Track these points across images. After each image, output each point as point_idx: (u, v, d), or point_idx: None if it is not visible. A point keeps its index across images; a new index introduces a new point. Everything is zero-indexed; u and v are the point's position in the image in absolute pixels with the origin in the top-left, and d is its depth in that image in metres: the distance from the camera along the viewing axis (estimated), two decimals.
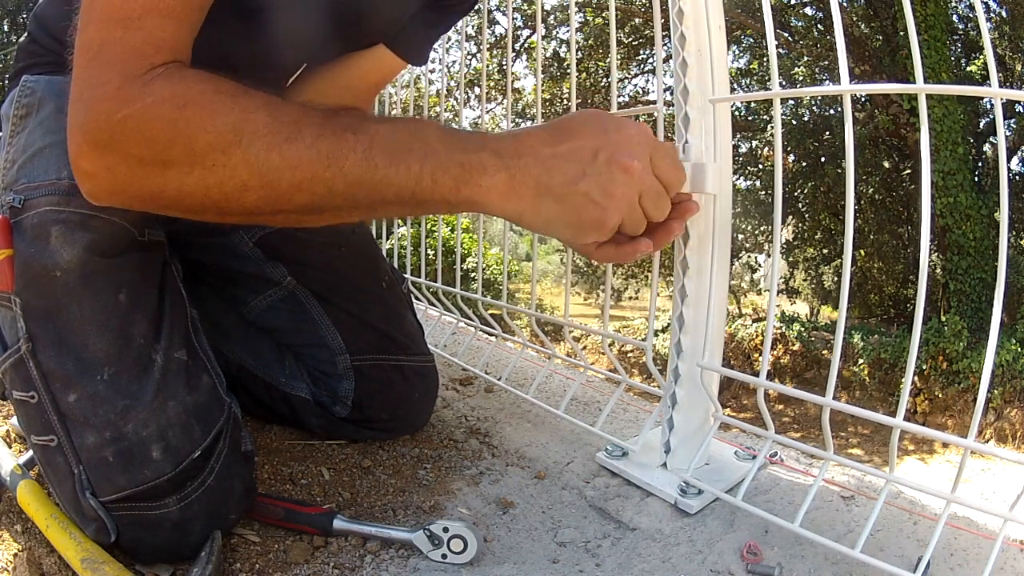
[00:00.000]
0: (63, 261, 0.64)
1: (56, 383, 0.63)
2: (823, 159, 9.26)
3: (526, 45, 10.18)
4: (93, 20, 0.53)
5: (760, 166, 9.72)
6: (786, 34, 8.93)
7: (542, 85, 1.19)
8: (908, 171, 9.10)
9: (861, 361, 7.87)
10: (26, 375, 0.63)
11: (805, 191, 9.76)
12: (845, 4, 8.45)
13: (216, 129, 0.52)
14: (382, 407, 0.92)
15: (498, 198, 0.57)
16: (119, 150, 0.52)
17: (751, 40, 8.41)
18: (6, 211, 0.67)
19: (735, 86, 8.70)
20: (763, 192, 9.79)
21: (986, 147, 8.39)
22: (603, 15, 8.57)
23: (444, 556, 0.67)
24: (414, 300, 1.63)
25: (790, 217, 9.93)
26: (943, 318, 7.29)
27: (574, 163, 0.58)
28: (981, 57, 7.96)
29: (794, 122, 9.27)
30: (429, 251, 1.52)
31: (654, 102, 0.81)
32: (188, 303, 0.75)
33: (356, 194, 0.55)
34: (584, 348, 8.20)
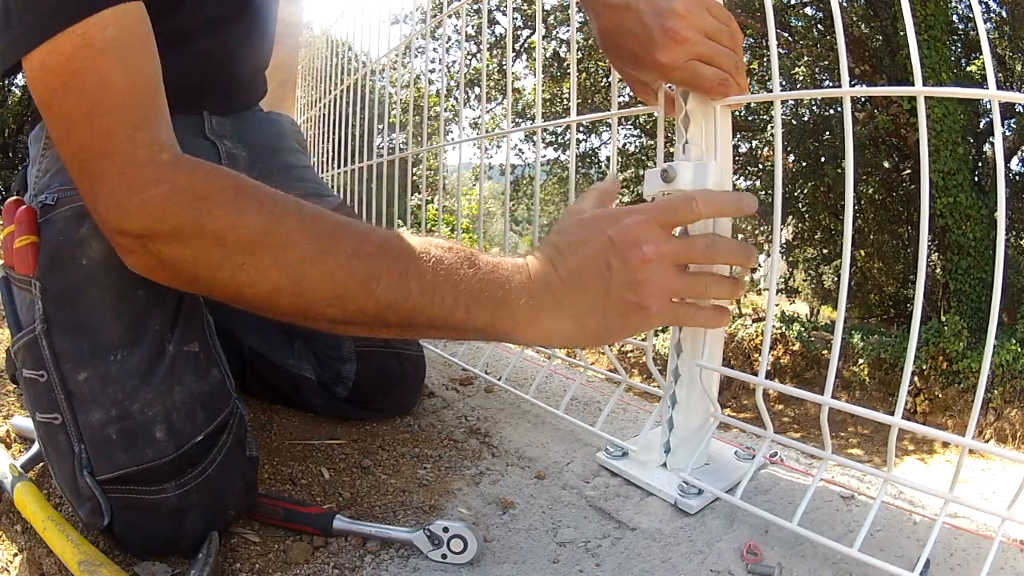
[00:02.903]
0: (91, 251, 0.67)
1: (67, 363, 0.64)
2: (823, 159, 9.26)
3: (526, 45, 10.17)
4: (66, 128, 0.54)
5: (760, 166, 9.73)
6: (786, 34, 8.93)
7: (542, 85, 1.19)
8: (908, 171, 9.10)
9: (861, 361, 7.87)
10: (38, 354, 0.65)
11: (805, 191, 9.76)
12: (845, 4, 8.45)
13: (245, 226, 0.53)
14: (379, 388, 1.00)
15: (533, 332, 0.59)
16: (146, 238, 0.53)
17: (751, 40, 8.41)
18: (38, 207, 0.70)
19: None
20: (763, 192, 9.78)
21: (986, 147, 8.39)
22: None
23: (444, 556, 0.67)
24: None
25: (790, 217, 9.93)
26: (943, 318, 7.29)
27: (595, 279, 0.58)
28: (981, 57, 7.96)
29: (794, 122, 9.27)
30: None
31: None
32: (205, 308, 0.77)
33: (387, 317, 0.56)
34: (584, 348, 8.19)
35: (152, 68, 0.58)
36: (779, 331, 8.39)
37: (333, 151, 2.13)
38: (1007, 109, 7.44)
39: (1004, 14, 8.20)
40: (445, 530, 0.67)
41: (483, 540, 0.70)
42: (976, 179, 7.85)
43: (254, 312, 0.58)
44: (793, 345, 8.39)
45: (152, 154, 0.54)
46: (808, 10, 9.12)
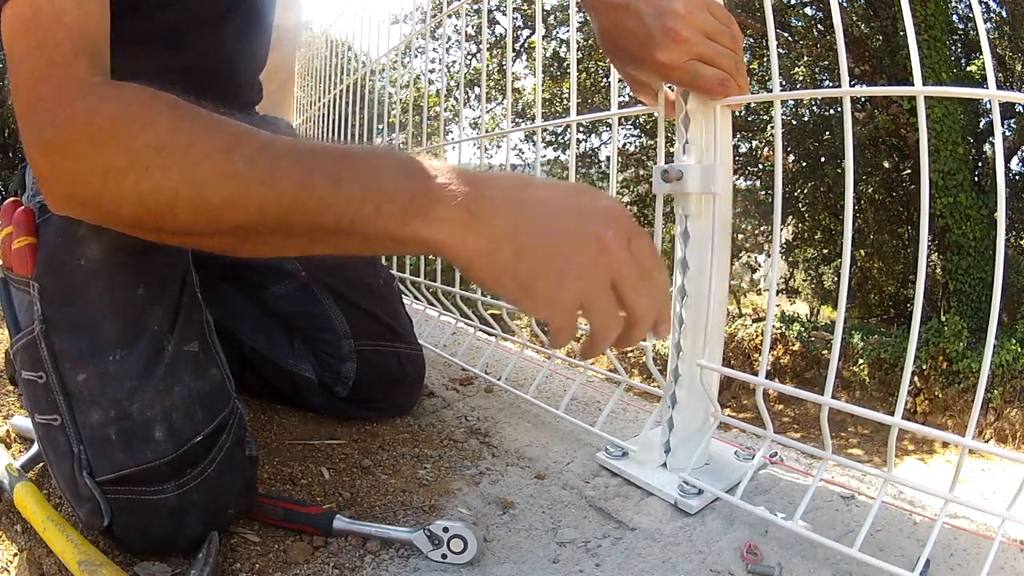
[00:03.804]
0: (89, 251, 0.67)
1: (66, 363, 0.64)
2: (823, 159, 9.26)
3: (526, 45, 10.17)
4: (18, 63, 0.54)
5: (760, 166, 9.73)
6: (786, 34, 8.93)
7: (542, 85, 1.19)
8: (908, 171, 9.10)
9: (861, 361, 7.87)
10: (36, 355, 0.65)
11: (805, 191, 9.76)
12: (845, 4, 8.45)
13: (153, 128, 0.51)
14: (379, 388, 1.00)
15: (450, 235, 0.50)
16: (65, 150, 0.52)
17: (751, 40, 8.41)
18: (36, 207, 0.70)
19: None
20: (763, 192, 9.79)
21: (986, 147, 8.39)
22: None
23: (444, 556, 0.67)
24: (413, 300, 1.63)
25: (790, 217, 9.93)
26: (943, 318, 7.29)
27: (543, 219, 0.51)
28: (981, 57, 7.96)
29: (794, 122, 9.27)
30: None
31: None
32: (204, 308, 0.77)
33: (290, 218, 0.51)
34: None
35: (103, 14, 0.58)
36: (779, 331, 8.40)
37: None
38: (1007, 109, 7.44)
39: (1004, 14, 8.20)
40: (445, 530, 0.67)
41: (483, 540, 0.69)
42: (976, 179, 7.85)
43: (157, 234, 0.55)
44: (793, 345, 8.39)
45: (87, 76, 0.54)
46: (808, 10, 9.12)
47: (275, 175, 0.50)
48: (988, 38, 0.56)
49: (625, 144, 10.62)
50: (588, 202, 0.53)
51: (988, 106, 0.62)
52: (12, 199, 0.74)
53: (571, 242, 0.51)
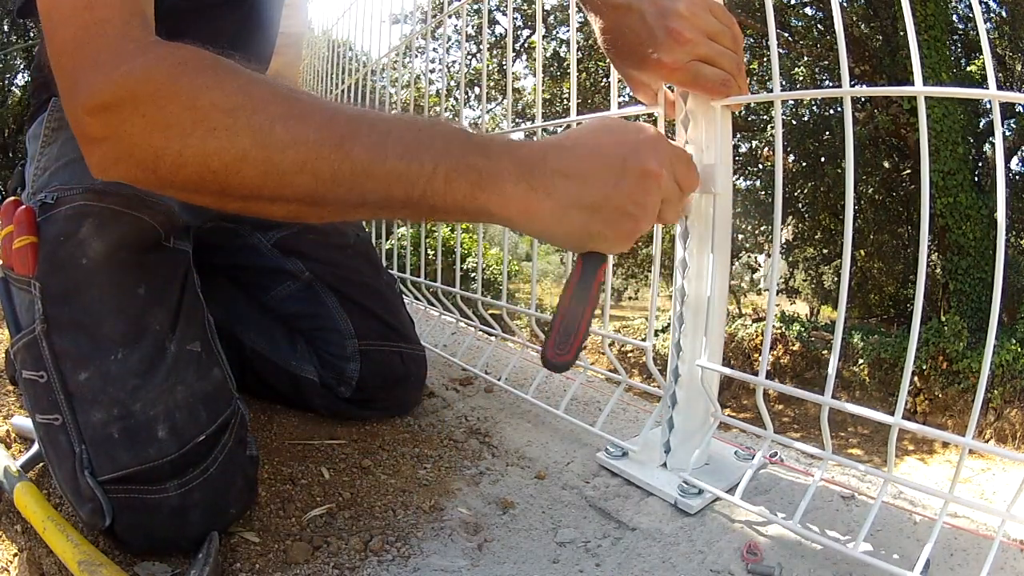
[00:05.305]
0: (91, 250, 0.67)
1: (68, 363, 0.64)
2: (823, 159, 9.26)
3: (526, 45, 10.17)
4: (61, 23, 0.52)
5: (760, 166, 9.73)
6: (786, 34, 8.93)
7: (542, 85, 1.19)
8: (908, 171, 9.11)
9: (861, 361, 7.87)
10: (37, 355, 0.65)
11: (805, 191, 9.76)
12: (845, 4, 8.45)
13: (221, 88, 0.50)
14: (382, 388, 1.00)
15: (517, 210, 0.56)
16: (122, 108, 0.49)
17: (751, 40, 8.42)
18: (36, 206, 0.70)
19: None
20: (763, 192, 9.79)
21: (986, 147, 8.40)
22: None
23: None
24: (413, 300, 1.63)
25: (790, 217, 9.93)
26: (943, 318, 7.29)
27: (604, 175, 0.57)
28: (981, 57, 7.96)
29: (794, 122, 9.27)
30: (429, 251, 1.52)
31: None
32: (206, 308, 0.77)
33: (363, 185, 0.51)
34: (584, 348, 8.20)
35: None
36: (779, 331, 8.39)
37: None
38: (1007, 109, 7.44)
39: (1004, 14, 8.20)
40: None
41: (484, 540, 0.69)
42: (976, 179, 7.85)
43: (218, 198, 0.53)
44: (793, 345, 8.39)
45: (142, 35, 0.52)
46: (808, 10, 9.12)
47: (347, 140, 0.50)
48: (988, 38, 0.56)
49: None
50: (638, 142, 0.59)
51: (988, 106, 0.62)
52: (12, 198, 0.75)
53: (636, 187, 0.58)
